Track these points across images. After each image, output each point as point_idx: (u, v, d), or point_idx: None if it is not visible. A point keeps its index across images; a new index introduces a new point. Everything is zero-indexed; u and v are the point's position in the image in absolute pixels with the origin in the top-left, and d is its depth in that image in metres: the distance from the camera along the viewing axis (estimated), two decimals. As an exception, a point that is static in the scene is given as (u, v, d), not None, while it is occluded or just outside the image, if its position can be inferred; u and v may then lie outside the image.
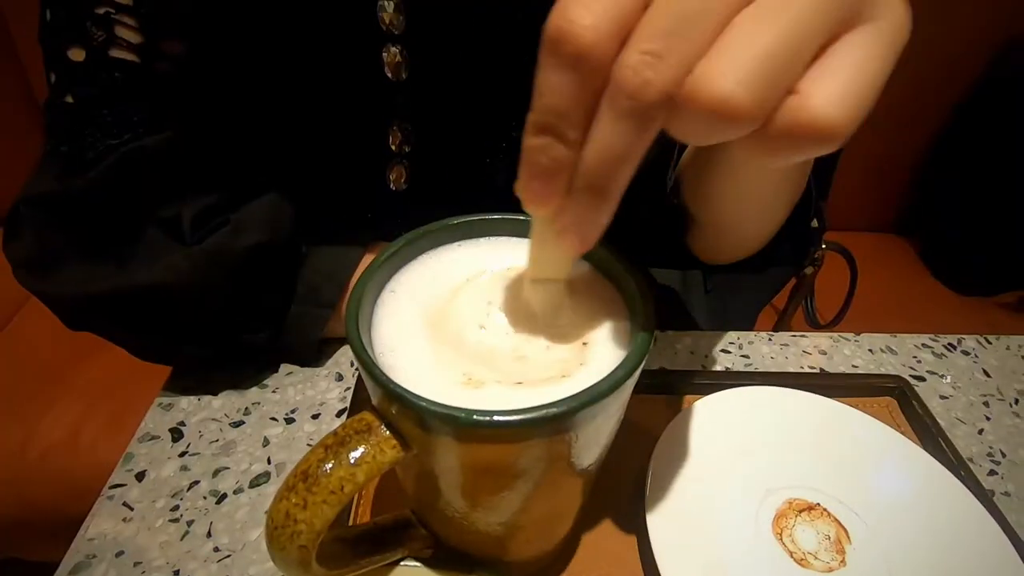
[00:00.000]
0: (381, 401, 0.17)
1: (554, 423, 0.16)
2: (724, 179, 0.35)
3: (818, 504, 0.29)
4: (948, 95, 0.99)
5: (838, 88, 0.14)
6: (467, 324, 0.21)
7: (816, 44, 0.14)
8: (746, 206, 0.37)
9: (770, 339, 0.42)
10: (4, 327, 0.86)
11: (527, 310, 0.21)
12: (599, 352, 0.20)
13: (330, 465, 0.17)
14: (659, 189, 0.43)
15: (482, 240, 0.25)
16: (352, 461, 0.17)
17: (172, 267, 0.30)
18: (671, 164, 0.43)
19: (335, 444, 0.17)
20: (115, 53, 0.33)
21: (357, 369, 0.37)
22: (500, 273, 0.23)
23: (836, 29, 0.14)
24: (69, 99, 0.33)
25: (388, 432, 0.17)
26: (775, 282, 0.63)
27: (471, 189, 0.36)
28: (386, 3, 0.36)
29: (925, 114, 1.02)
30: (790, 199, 0.37)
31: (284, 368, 0.37)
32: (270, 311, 0.34)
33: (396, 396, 0.16)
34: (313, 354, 0.37)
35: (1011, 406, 0.38)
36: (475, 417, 0.16)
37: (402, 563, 0.23)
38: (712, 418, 0.32)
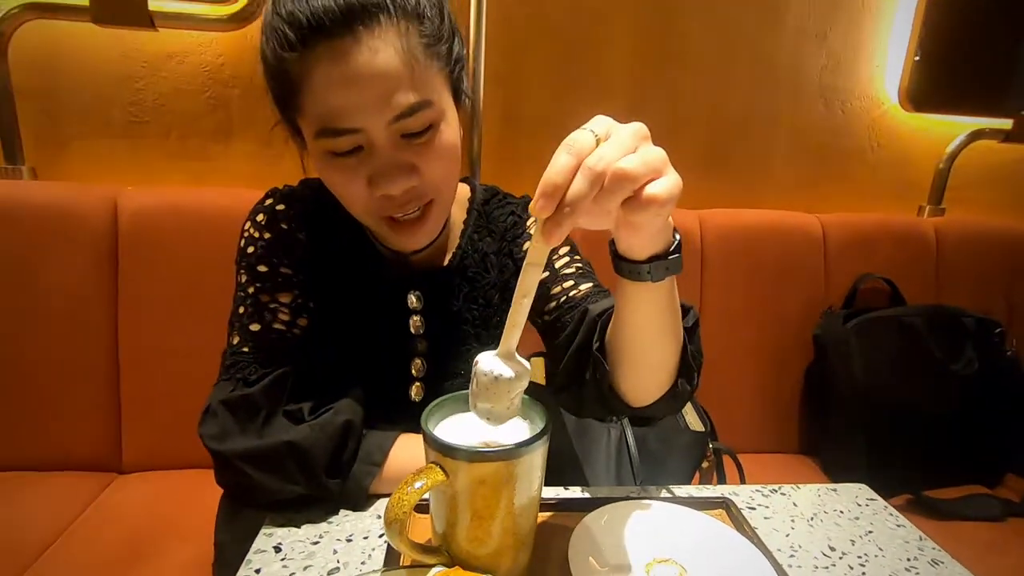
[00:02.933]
0: (437, 453, 0.41)
1: (511, 452, 0.40)
2: (630, 317, 0.54)
3: (671, 559, 0.49)
4: (800, 346, 1.37)
5: (663, 188, 0.39)
6: (473, 437, 0.46)
7: (652, 174, 0.38)
8: (647, 332, 0.54)
9: (658, 489, 0.64)
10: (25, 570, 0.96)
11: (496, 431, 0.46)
12: (525, 435, 0.44)
13: (414, 481, 0.40)
14: (590, 358, 0.61)
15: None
16: (424, 479, 0.40)
17: (301, 431, 0.54)
18: (597, 340, 0.62)
19: (416, 473, 0.40)
20: (275, 325, 0.63)
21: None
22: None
23: (658, 170, 0.40)
24: (245, 349, 0.61)
25: (439, 468, 0.41)
26: (683, 474, 0.87)
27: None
28: (412, 295, 0.69)
29: (791, 360, 1.38)
30: (674, 332, 0.55)
31: (342, 512, 0.58)
32: (343, 465, 0.57)
33: (444, 445, 0.40)
34: (363, 501, 0.58)
35: (808, 522, 0.60)
36: (477, 449, 0.40)
37: (434, 570, 0.42)
38: (611, 517, 0.53)
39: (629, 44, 1.37)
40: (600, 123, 0.39)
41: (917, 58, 1.45)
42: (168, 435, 1.19)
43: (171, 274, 1.16)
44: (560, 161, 0.37)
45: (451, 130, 0.58)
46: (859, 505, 0.63)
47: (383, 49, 0.51)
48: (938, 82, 1.46)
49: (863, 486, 0.67)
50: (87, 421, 1.19)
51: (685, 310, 0.62)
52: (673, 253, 0.49)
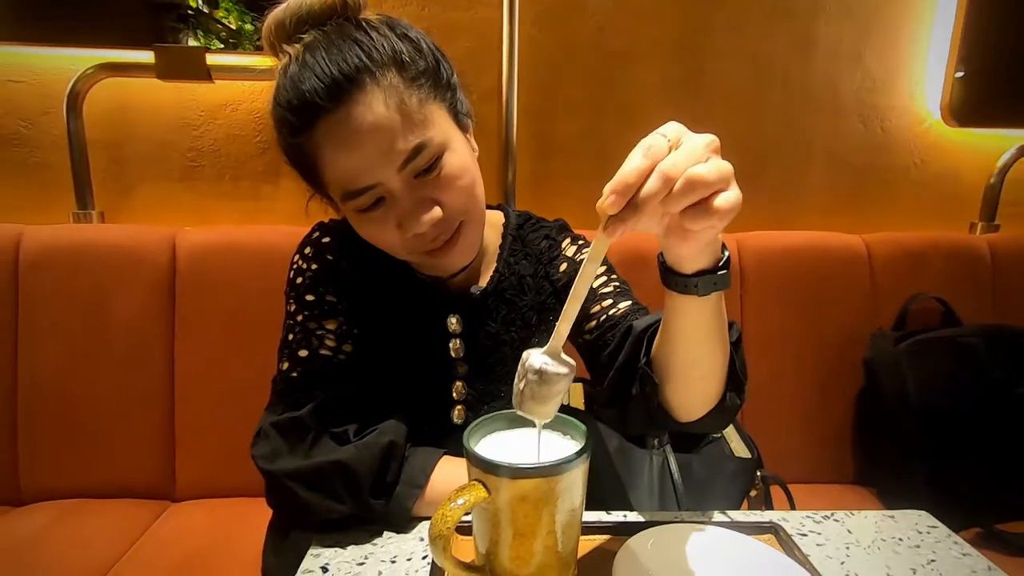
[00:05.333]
0: (479, 471, 0.42)
1: (552, 468, 0.41)
2: (678, 330, 0.54)
3: (719, 583, 0.48)
4: (848, 370, 1.32)
5: (728, 200, 0.40)
6: (514, 455, 0.46)
7: (721, 184, 0.40)
8: (695, 345, 0.55)
9: (703, 513, 0.63)
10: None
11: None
12: (567, 452, 0.44)
13: (457, 498, 0.41)
14: (636, 374, 0.62)
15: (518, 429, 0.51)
16: (467, 496, 0.41)
17: (347, 451, 0.56)
18: (644, 355, 0.62)
19: (459, 490, 0.41)
20: (322, 351, 0.65)
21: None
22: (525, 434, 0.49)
23: (727, 181, 0.40)
24: (294, 374, 0.64)
25: (481, 486, 0.42)
26: (729, 503, 0.85)
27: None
28: (452, 319, 0.71)
29: (839, 384, 1.33)
30: (721, 344, 0.55)
31: (386, 534, 0.58)
32: (387, 486, 0.58)
33: (486, 462, 0.41)
34: (405, 522, 0.59)
35: (865, 549, 0.57)
36: (519, 465, 0.40)
37: (478, 589, 0.43)
38: (656, 541, 0.52)
39: (660, 76, 1.39)
40: (672, 129, 0.41)
41: (960, 74, 1.42)
42: (219, 465, 1.23)
43: (224, 308, 1.21)
44: (635, 162, 0.38)
45: (458, 155, 0.61)
46: (919, 533, 0.60)
47: (373, 108, 0.55)
48: (982, 96, 1.43)
49: (923, 513, 0.64)
50: (144, 450, 1.24)
51: (728, 325, 0.61)
52: (721, 269, 0.49)
